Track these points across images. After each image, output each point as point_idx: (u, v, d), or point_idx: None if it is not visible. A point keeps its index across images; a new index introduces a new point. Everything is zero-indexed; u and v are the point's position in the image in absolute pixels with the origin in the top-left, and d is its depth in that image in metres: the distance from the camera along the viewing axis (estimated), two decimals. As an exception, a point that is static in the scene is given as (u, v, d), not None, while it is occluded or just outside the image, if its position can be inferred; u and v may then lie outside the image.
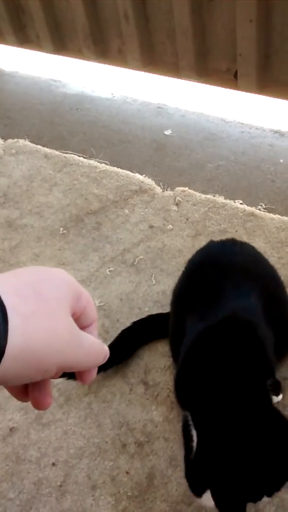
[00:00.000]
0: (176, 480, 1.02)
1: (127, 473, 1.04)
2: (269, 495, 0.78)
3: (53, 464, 1.07)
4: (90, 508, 1.00)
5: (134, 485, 1.02)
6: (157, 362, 1.21)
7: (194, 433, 0.84)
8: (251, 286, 0.99)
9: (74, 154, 1.91)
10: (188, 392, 0.91)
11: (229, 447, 0.78)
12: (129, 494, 1.01)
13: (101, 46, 2.19)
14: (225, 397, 0.83)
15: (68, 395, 1.18)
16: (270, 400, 0.87)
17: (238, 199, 1.60)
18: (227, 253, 1.08)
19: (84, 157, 1.89)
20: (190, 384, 0.90)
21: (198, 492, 0.81)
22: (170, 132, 1.99)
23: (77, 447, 1.09)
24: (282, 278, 1.35)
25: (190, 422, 0.86)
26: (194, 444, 0.83)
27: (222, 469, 0.77)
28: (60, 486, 1.04)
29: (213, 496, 0.76)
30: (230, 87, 1.88)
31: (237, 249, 1.08)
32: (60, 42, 2.33)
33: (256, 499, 0.78)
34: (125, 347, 1.22)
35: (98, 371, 1.19)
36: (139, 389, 1.17)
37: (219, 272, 1.02)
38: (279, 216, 1.51)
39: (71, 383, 1.18)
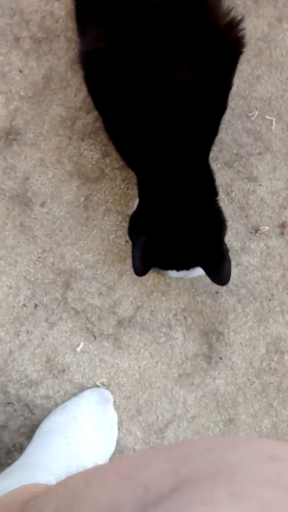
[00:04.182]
0: (75, 86, 0.92)
1: (20, 71, 0.91)
2: (178, 269, 0.78)
3: None
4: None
5: (28, 85, 0.91)
6: None
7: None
8: None
9: None
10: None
11: (166, 207, 0.77)
12: (21, 94, 0.91)
13: None
14: (168, 155, 0.76)
15: None
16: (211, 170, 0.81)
17: None
18: None
19: None
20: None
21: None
22: None
23: None
24: None
25: None
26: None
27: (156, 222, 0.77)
28: None
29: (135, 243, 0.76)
30: None
31: None
32: None
33: (167, 266, 0.78)
34: None
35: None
36: None
37: None
38: None
39: None
